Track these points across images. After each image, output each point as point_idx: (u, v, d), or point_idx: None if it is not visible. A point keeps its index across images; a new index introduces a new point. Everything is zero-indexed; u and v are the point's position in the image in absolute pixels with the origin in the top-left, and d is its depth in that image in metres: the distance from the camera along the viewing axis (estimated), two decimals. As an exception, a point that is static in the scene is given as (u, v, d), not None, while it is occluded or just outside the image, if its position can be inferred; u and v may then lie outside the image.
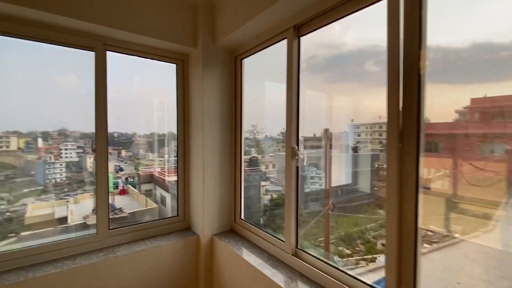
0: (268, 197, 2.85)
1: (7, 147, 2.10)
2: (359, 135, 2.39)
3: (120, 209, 2.29)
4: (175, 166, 2.23)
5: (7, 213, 2.14)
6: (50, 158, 2.28)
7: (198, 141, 2.04)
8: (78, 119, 2.26)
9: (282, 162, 2.36)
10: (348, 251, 2.50)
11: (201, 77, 1.95)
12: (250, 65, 2.10)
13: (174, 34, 1.92)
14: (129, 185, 2.66)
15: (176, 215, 2.20)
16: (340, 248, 2.56)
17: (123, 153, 2.66)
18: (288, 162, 1.60)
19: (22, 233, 2.05)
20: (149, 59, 2.06)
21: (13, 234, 2.09)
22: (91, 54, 1.79)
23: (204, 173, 1.99)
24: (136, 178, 2.62)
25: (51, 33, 1.64)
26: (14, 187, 2.16)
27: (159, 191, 2.56)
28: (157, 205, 2.51)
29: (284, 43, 1.60)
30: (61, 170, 2.32)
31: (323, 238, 2.52)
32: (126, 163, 2.67)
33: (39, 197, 2.24)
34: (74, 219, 2.15)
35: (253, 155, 2.91)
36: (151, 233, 2.03)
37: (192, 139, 2.15)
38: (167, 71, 2.20)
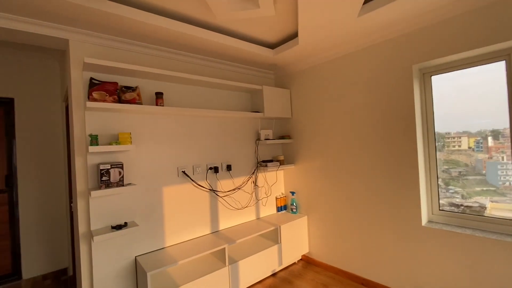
0: None
1: (459, 146, 2.34)
2: None
3: None
4: None
5: (461, 207, 2.35)
6: (502, 158, 2.10)
7: None
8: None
9: None
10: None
11: None
12: None
13: None
14: None
15: None
16: None
17: None
18: None
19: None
20: None
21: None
22: None
23: None
24: None
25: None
26: (466, 184, 2.32)
27: None
28: None
29: None
30: (516, 172, 2.03)
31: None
32: None
33: (492, 197, 2.16)
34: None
35: None
36: None
37: None
38: None
